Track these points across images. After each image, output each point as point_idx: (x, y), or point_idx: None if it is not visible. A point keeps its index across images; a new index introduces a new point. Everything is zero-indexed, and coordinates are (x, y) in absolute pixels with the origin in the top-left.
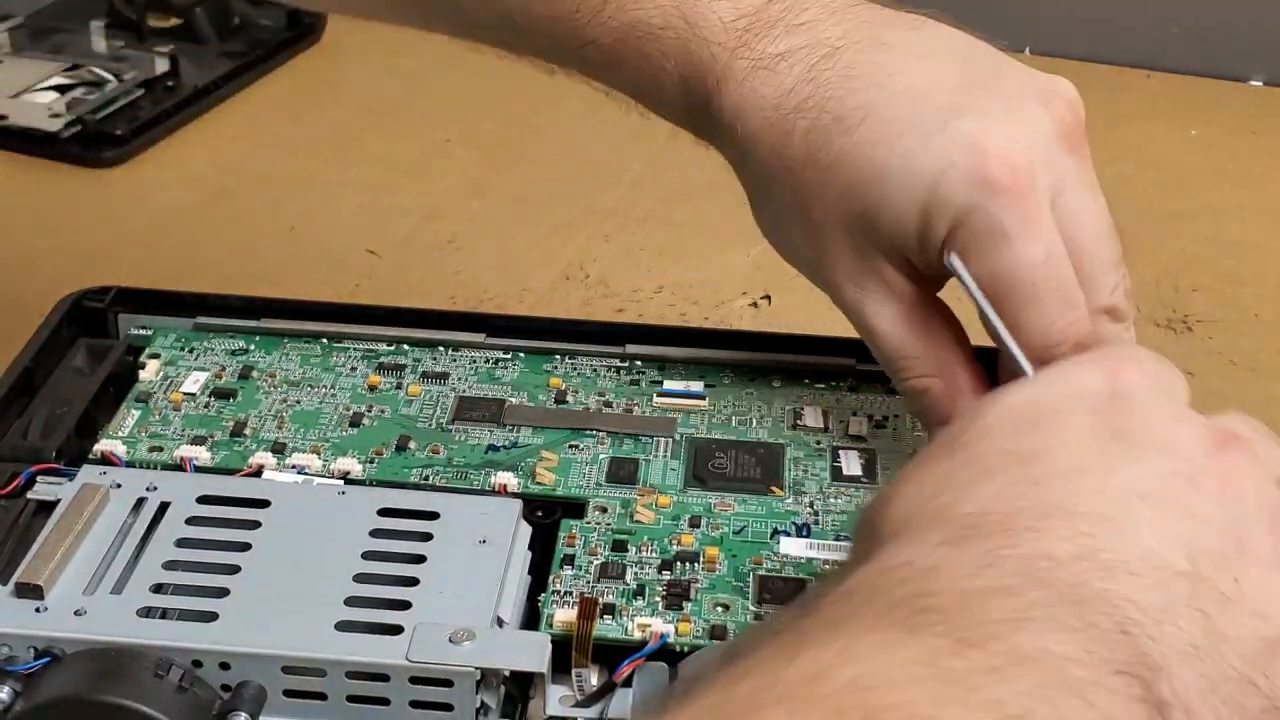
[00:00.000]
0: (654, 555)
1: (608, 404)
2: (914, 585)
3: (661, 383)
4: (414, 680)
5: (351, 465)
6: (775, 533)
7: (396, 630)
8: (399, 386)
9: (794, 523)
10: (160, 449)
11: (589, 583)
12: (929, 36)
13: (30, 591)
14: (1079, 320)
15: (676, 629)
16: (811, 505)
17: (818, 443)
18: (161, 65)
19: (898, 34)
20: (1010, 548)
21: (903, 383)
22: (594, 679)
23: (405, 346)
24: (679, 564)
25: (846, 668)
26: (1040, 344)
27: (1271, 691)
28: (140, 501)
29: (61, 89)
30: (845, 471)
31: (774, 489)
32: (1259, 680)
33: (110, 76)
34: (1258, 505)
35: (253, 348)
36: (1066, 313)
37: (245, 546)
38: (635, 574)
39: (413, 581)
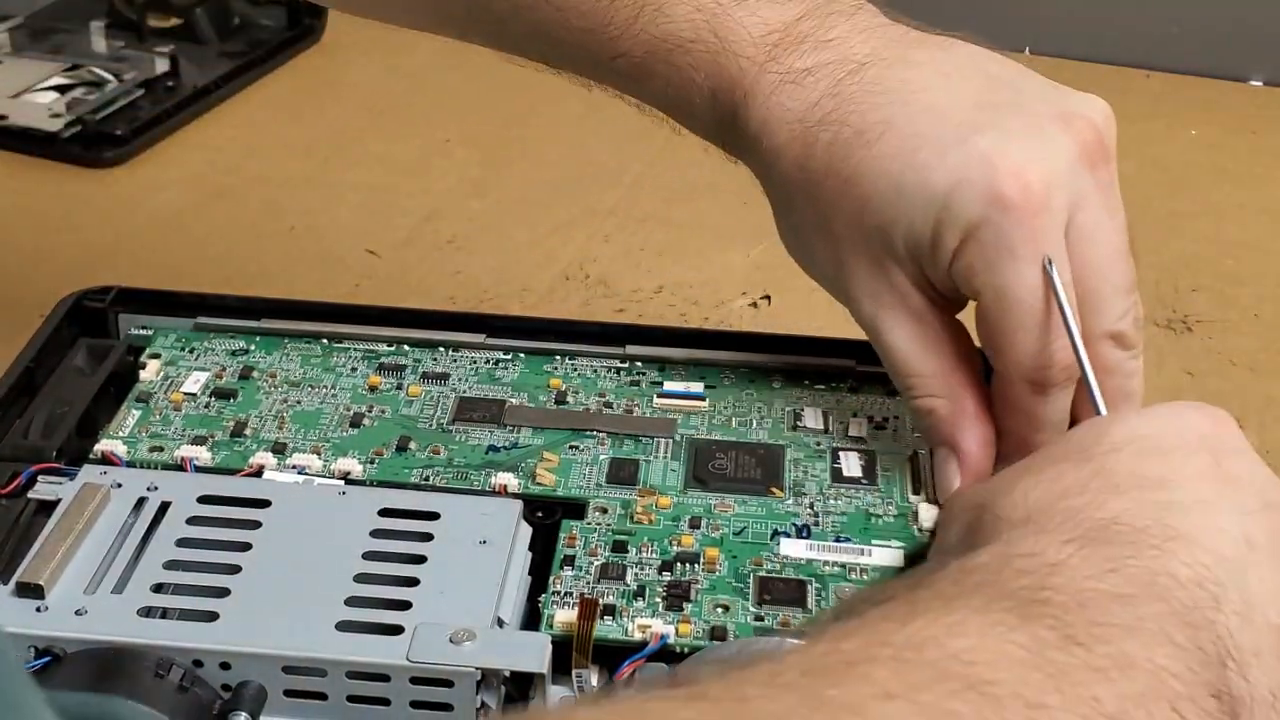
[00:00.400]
0: (654, 556)
1: (608, 405)
2: (1035, 577)
3: (662, 384)
4: (414, 680)
5: (352, 465)
6: (775, 534)
7: (397, 630)
8: (399, 387)
9: (794, 524)
10: (161, 449)
11: (589, 584)
12: (956, 56)
13: (31, 591)
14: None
15: (677, 630)
16: (811, 506)
17: (818, 444)
18: (161, 65)
19: (925, 53)
20: (1135, 559)
21: (910, 400)
22: (594, 680)
23: (405, 347)
24: (679, 565)
25: (956, 640)
26: (1030, 365)
27: None
28: (141, 501)
29: (61, 89)
30: (845, 473)
31: (774, 490)
32: None
33: (110, 77)
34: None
35: (253, 348)
36: (1060, 336)
37: (246, 546)
38: (635, 575)
39: (413, 582)
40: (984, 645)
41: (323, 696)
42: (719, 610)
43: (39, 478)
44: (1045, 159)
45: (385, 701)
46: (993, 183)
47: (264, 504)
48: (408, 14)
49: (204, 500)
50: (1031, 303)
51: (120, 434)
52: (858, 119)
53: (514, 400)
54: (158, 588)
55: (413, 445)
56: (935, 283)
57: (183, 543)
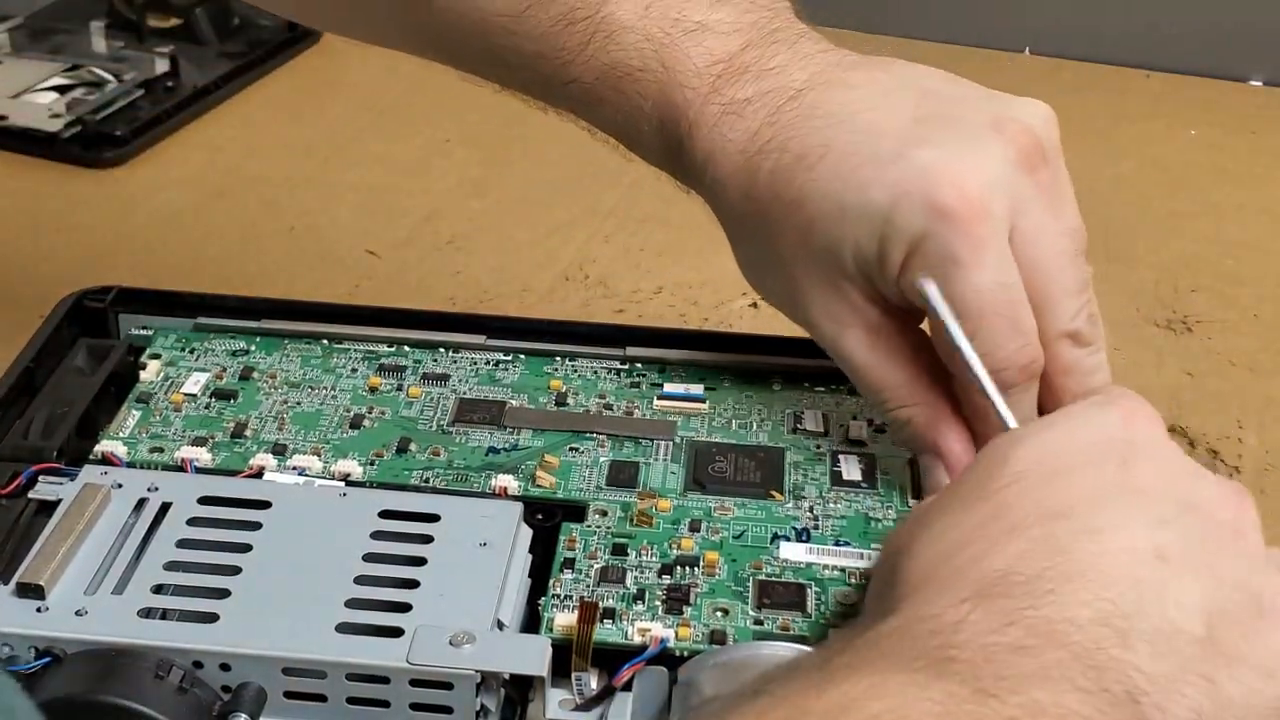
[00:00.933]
0: (654, 559)
1: (608, 407)
2: (941, 638)
3: (662, 385)
4: (414, 683)
5: (352, 467)
6: (775, 537)
7: (397, 632)
8: (399, 388)
9: (794, 527)
10: (161, 450)
11: (589, 586)
12: (894, 74)
13: (31, 591)
14: (1025, 347)
15: (676, 633)
16: (811, 510)
17: (818, 447)
18: (161, 65)
19: (863, 74)
20: (1033, 609)
21: (886, 414)
22: (594, 683)
23: (405, 348)
24: (679, 568)
25: (873, 703)
26: (987, 368)
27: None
28: (141, 502)
29: (61, 89)
30: (845, 476)
31: (774, 493)
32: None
33: (110, 77)
34: (1267, 558)
35: (253, 348)
36: (1013, 339)
37: (246, 548)
38: (635, 578)
39: (413, 584)
40: (902, 704)
41: (322, 698)
42: (719, 614)
43: (39, 478)
44: (982, 167)
45: (385, 703)
46: (932, 195)
47: (264, 505)
48: (370, 31)
49: (204, 501)
50: (980, 307)
51: (120, 434)
52: (797, 144)
53: (514, 402)
54: (158, 588)
55: (413, 447)
56: (888, 296)
57: (183, 544)
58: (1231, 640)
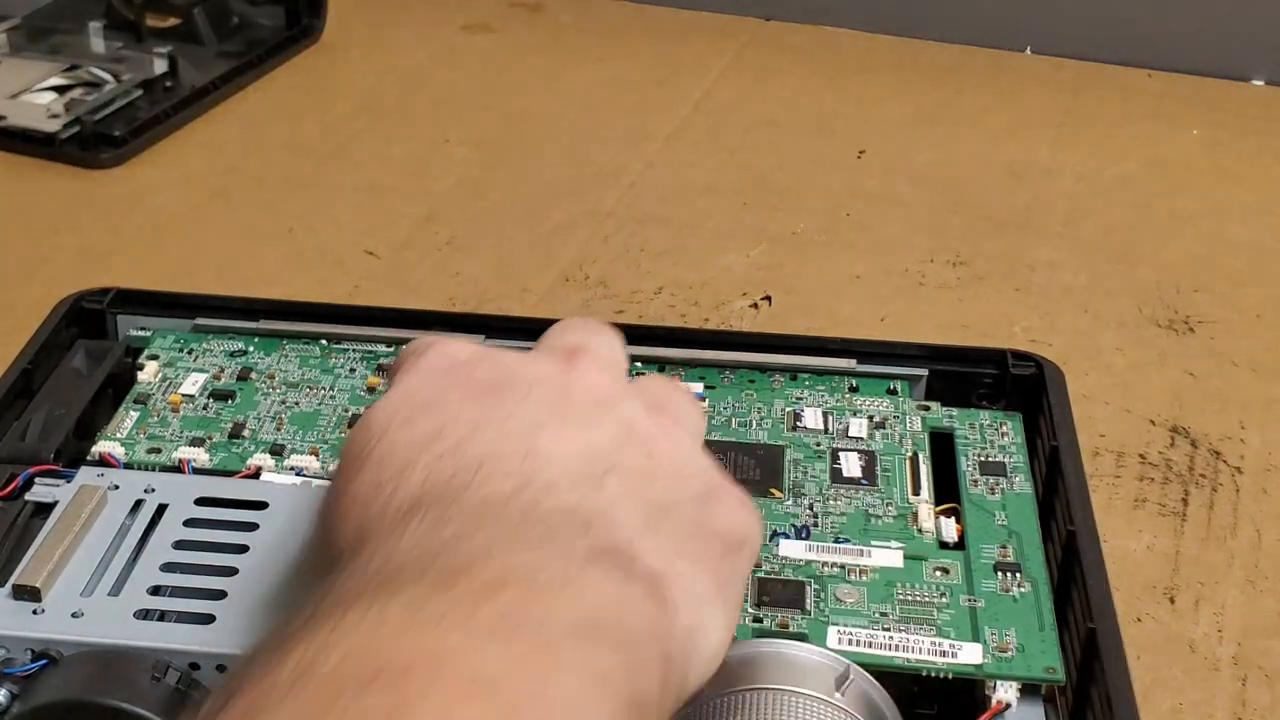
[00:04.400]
0: None
1: None
2: (377, 563)
3: None
4: None
5: None
6: (774, 535)
7: None
8: None
9: (793, 525)
10: (158, 450)
11: None
12: None
13: (27, 593)
14: None
15: None
16: (811, 507)
17: (817, 444)
18: (160, 65)
19: None
20: (455, 504)
21: None
22: None
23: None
24: None
25: (336, 649)
26: None
27: (723, 532)
28: (138, 503)
29: (60, 89)
30: (845, 473)
31: (773, 491)
32: (706, 531)
33: (108, 77)
34: (624, 394)
35: (251, 349)
36: None
37: (243, 549)
38: None
39: None
40: (366, 635)
41: None
42: None
43: (36, 479)
44: None
45: None
46: None
47: (261, 506)
48: None
49: (201, 502)
50: None
51: (118, 436)
52: None
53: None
54: (154, 590)
55: None
56: None
57: (180, 545)
58: (637, 463)
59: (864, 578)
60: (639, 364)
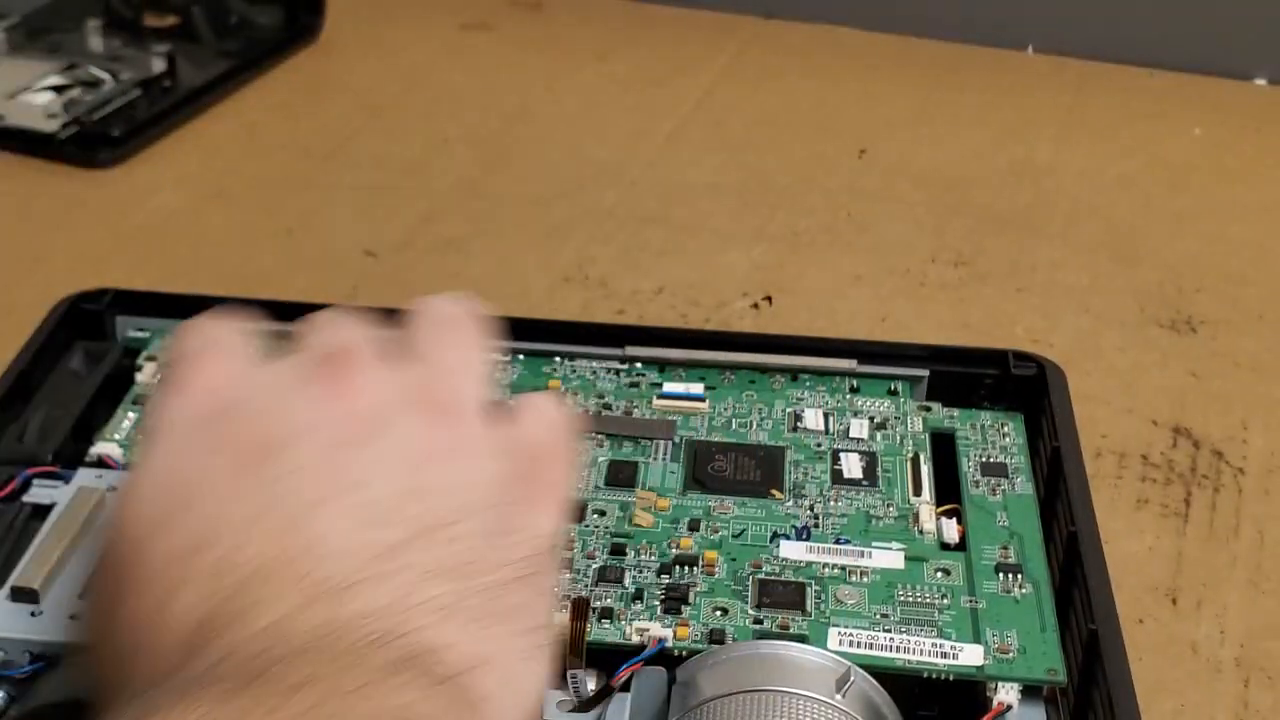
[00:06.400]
0: (653, 559)
1: (607, 406)
2: (169, 685)
3: (661, 385)
4: None
5: None
6: (775, 536)
7: None
8: None
9: (794, 526)
10: None
11: (587, 586)
12: None
13: (25, 595)
14: None
15: (675, 633)
16: (811, 509)
17: (818, 445)
18: (158, 65)
19: None
20: (242, 630)
21: None
22: (591, 683)
23: None
24: (678, 568)
25: None
26: None
27: (522, 559)
28: None
29: (58, 89)
30: (846, 474)
31: (774, 492)
32: (506, 573)
33: (107, 76)
34: (392, 404)
35: None
36: None
37: None
38: (634, 578)
39: None
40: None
41: None
42: (718, 613)
43: (34, 481)
44: None
45: None
46: None
47: None
48: None
49: None
50: None
51: (116, 437)
52: None
53: (513, 402)
54: None
55: None
56: None
57: None
58: (420, 511)
59: (865, 579)
60: (637, 364)
